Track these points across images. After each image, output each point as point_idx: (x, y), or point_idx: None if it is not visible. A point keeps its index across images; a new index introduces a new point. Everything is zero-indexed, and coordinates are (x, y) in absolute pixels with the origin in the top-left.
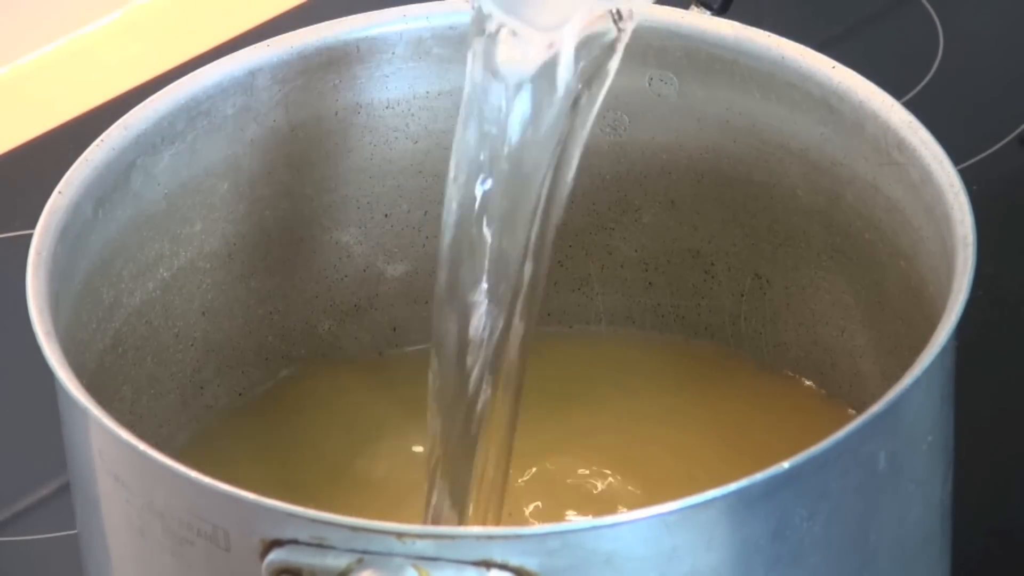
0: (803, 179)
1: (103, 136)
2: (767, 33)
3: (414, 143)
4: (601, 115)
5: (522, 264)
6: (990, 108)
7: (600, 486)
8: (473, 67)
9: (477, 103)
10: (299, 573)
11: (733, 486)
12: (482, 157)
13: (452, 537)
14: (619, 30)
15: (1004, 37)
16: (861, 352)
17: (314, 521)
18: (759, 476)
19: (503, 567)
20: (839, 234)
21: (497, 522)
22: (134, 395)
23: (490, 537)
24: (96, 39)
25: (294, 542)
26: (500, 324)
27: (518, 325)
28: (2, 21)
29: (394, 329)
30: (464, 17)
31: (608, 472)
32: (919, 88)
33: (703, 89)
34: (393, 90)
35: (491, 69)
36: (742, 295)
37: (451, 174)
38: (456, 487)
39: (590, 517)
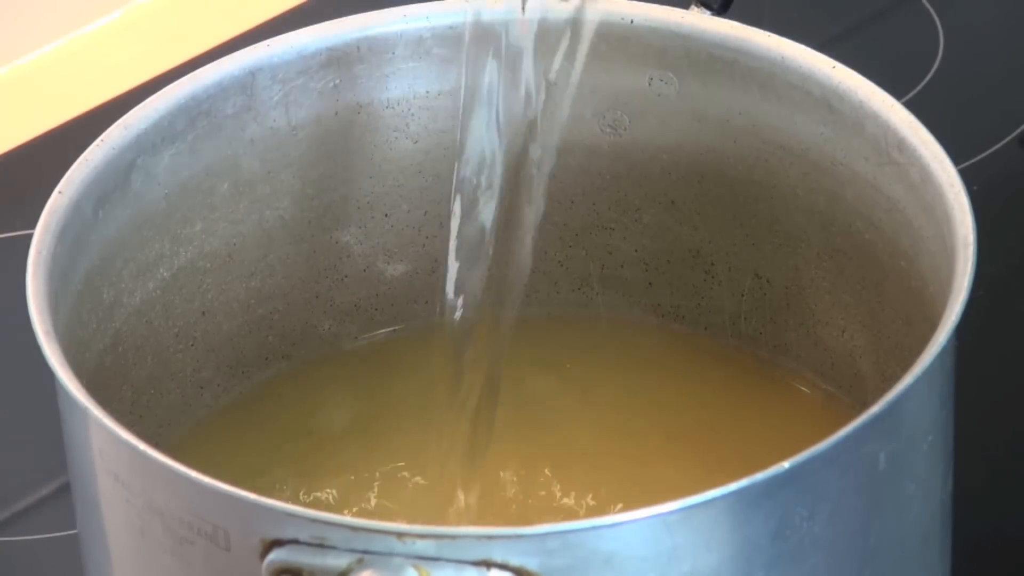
0: (803, 179)
1: (103, 136)
2: (767, 33)
3: (414, 143)
4: (601, 115)
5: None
6: (990, 108)
7: (598, 483)
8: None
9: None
10: (299, 573)
11: (733, 486)
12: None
13: (452, 537)
14: None
15: (1004, 37)
16: (861, 352)
17: (314, 521)
18: (759, 476)
19: (503, 567)
20: (839, 234)
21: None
22: (134, 395)
23: (490, 537)
24: (96, 39)
25: (294, 542)
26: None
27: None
28: (2, 21)
29: (394, 329)
30: (464, 17)
31: (606, 469)
32: (919, 88)
33: (703, 89)
34: (393, 90)
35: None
36: (742, 295)
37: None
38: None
39: (590, 517)
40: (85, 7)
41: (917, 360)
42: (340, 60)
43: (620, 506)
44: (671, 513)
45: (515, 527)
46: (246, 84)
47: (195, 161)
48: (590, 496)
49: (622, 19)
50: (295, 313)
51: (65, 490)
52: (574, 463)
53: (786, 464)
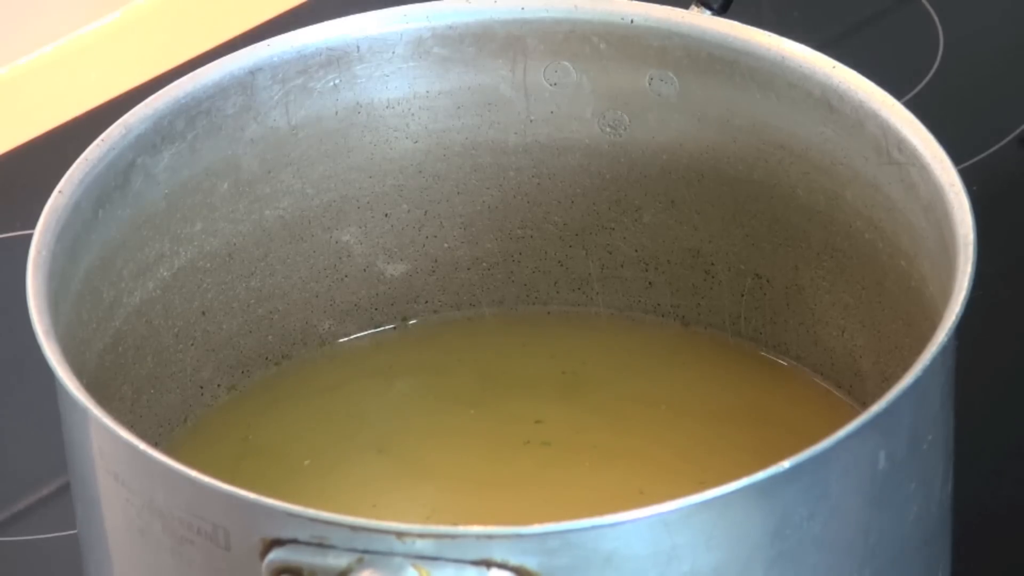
0: (803, 179)
1: (103, 136)
2: (767, 33)
3: (414, 143)
4: (601, 115)
5: None
6: (990, 108)
7: (597, 482)
8: None
9: None
10: (299, 572)
11: (733, 485)
12: None
13: (452, 536)
14: None
15: (1004, 37)
16: (861, 352)
17: (314, 520)
18: (759, 476)
19: (503, 566)
20: (839, 234)
21: None
22: (134, 394)
23: (490, 536)
24: (96, 39)
25: (294, 541)
26: None
27: None
28: (2, 21)
29: (394, 328)
30: (464, 17)
31: (606, 468)
32: (919, 88)
33: (703, 89)
34: (393, 90)
35: None
36: (742, 295)
37: None
38: None
39: (590, 516)
40: (85, 7)
41: (917, 360)
42: (340, 60)
43: (620, 505)
44: (671, 512)
45: (515, 526)
46: (246, 84)
47: (195, 161)
48: (590, 495)
49: (622, 19)
50: (295, 313)
51: (65, 490)
52: (573, 462)
53: (786, 464)
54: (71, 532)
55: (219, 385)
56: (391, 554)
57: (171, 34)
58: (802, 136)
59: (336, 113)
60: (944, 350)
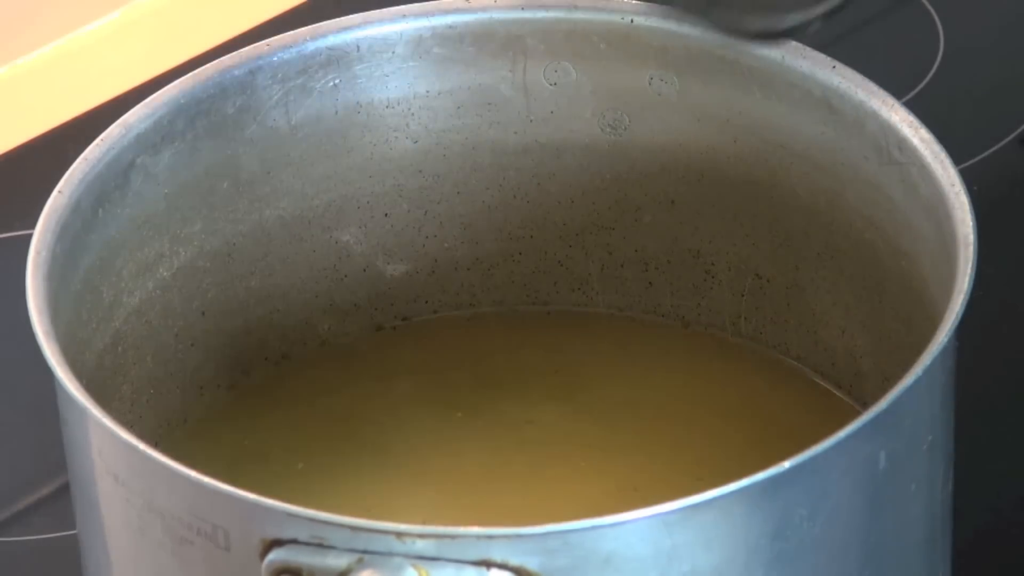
0: (803, 179)
1: (103, 136)
2: None
3: (414, 143)
4: (601, 115)
5: None
6: (990, 108)
7: (597, 483)
8: None
9: None
10: (299, 573)
11: (733, 486)
12: None
13: (452, 537)
14: None
15: (1004, 37)
16: (861, 352)
17: (314, 521)
18: (759, 476)
19: (503, 567)
20: (839, 234)
21: None
22: (134, 395)
23: (490, 537)
24: (96, 39)
25: (294, 542)
26: None
27: None
28: (2, 21)
29: (394, 329)
30: (464, 17)
31: (606, 468)
32: (919, 88)
33: (703, 89)
34: (393, 90)
35: None
36: (742, 295)
37: None
38: None
39: (590, 517)
40: (85, 7)
41: (917, 360)
42: (340, 60)
43: (620, 506)
44: (671, 513)
45: (515, 527)
46: (246, 84)
47: (195, 161)
48: (590, 495)
49: (622, 19)
50: (295, 313)
51: (65, 490)
52: (571, 462)
53: (786, 464)
54: (71, 532)
55: (219, 385)
56: (391, 554)
57: (171, 34)
58: (802, 136)
59: (336, 113)
60: (944, 350)
